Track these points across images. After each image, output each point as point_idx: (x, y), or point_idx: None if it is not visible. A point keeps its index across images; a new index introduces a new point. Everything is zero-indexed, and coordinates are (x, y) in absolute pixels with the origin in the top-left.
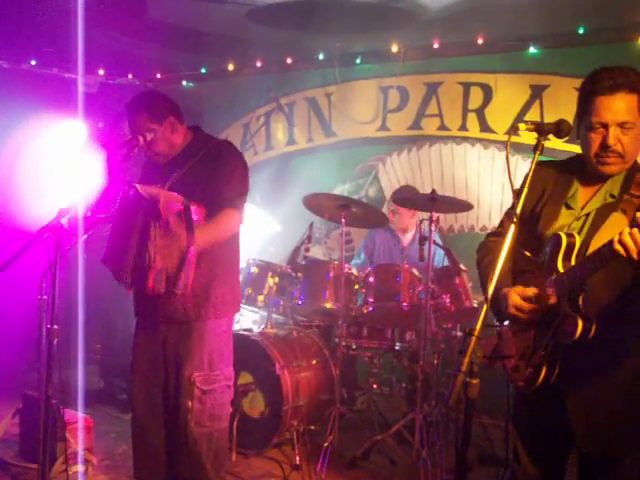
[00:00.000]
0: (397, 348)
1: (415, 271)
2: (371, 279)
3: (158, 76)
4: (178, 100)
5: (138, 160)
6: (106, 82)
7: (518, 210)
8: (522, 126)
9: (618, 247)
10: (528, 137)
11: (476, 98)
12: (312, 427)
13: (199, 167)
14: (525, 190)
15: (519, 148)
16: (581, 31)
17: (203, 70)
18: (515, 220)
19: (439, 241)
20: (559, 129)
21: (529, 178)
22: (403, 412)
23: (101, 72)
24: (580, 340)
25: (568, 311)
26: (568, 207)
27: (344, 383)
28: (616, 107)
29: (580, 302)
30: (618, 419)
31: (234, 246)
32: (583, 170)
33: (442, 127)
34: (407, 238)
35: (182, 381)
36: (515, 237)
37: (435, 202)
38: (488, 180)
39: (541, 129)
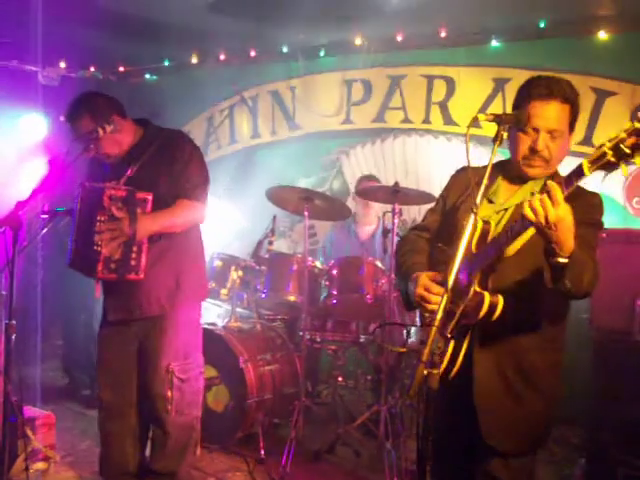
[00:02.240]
0: (362, 341)
1: (378, 263)
2: (335, 272)
3: (121, 69)
4: (141, 93)
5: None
6: (68, 75)
7: (478, 200)
8: (482, 117)
9: (528, 211)
10: (491, 130)
11: (439, 91)
12: (277, 421)
13: (153, 162)
14: (485, 181)
15: (482, 141)
16: (542, 25)
17: (166, 63)
18: (475, 210)
19: (402, 233)
20: (518, 120)
21: (488, 170)
22: (368, 404)
23: (62, 65)
24: (486, 319)
25: (477, 290)
26: (490, 201)
27: (309, 376)
28: (549, 114)
29: (490, 282)
30: (520, 415)
31: (198, 237)
32: (507, 171)
33: (406, 120)
34: (366, 232)
35: (159, 371)
36: (435, 232)
37: (398, 194)
38: (451, 172)
39: (500, 120)
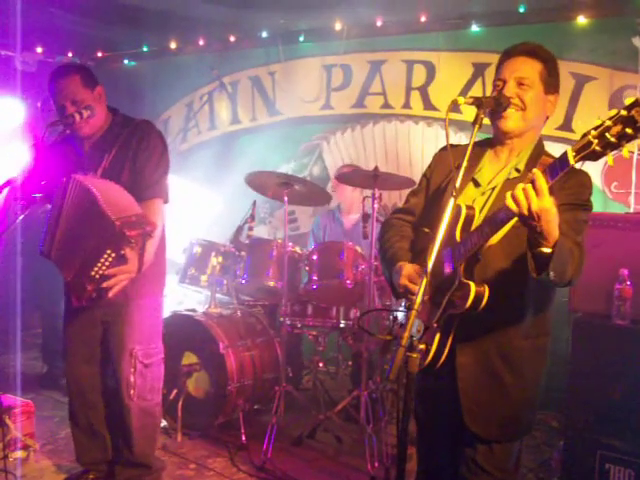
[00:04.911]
0: (342, 326)
1: (358, 248)
2: (315, 257)
3: (99, 54)
4: (120, 79)
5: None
6: (45, 60)
7: (457, 184)
8: (461, 100)
9: (510, 202)
10: (471, 115)
11: (419, 76)
12: (257, 406)
13: (124, 152)
14: (465, 164)
15: (462, 126)
16: (522, 10)
17: (145, 48)
18: (454, 194)
19: (383, 218)
20: (498, 102)
21: (467, 153)
22: (349, 390)
23: (39, 50)
24: (472, 309)
25: (462, 279)
26: (476, 183)
27: (289, 362)
28: (516, 66)
29: (475, 271)
30: (504, 402)
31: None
32: (491, 147)
33: (386, 105)
34: (350, 220)
35: (124, 355)
36: (419, 215)
37: (377, 179)
38: (432, 157)
39: (480, 103)
